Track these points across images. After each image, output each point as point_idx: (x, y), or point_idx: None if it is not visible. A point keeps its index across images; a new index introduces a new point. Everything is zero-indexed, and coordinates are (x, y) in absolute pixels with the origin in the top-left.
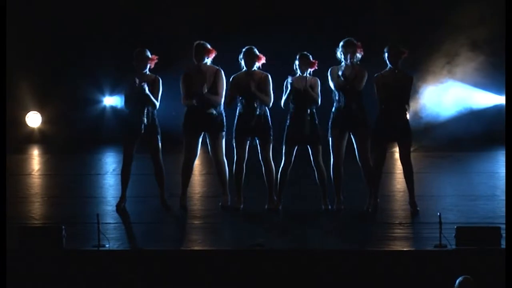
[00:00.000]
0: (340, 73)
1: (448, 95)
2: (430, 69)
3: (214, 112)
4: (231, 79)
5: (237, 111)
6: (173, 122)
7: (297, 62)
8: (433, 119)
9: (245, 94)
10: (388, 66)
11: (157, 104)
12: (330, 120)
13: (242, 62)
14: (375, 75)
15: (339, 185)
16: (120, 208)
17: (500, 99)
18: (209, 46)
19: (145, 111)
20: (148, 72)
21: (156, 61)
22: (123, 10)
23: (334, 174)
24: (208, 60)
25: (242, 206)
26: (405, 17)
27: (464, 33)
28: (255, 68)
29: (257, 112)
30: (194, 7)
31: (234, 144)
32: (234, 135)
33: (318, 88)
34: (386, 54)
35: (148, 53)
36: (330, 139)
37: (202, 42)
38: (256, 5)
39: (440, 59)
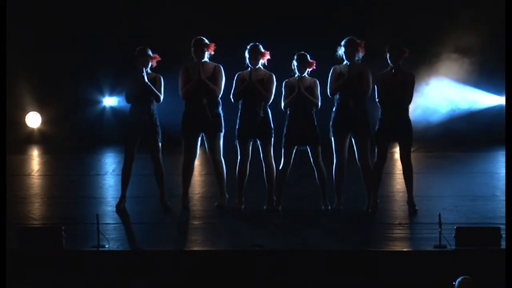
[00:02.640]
0: (344, 72)
1: (446, 95)
2: (427, 69)
3: (209, 113)
4: (236, 76)
5: (239, 111)
6: (173, 122)
7: (295, 63)
8: (432, 119)
9: (248, 92)
10: (390, 66)
11: (161, 96)
12: (331, 121)
13: (247, 59)
14: (376, 74)
15: (340, 186)
16: (120, 208)
17: (500, 100)
18: (207, 41)
19: (147, 108)
20: (149, 71)
21: (158, 59)
22: (123, 10)
23: (336, 175)
24: (207, 54)
25: (243, 207)
26: (404, 16)
27: (465, 33)
28: (259, 65)
29: (260, 113)
30: (194, 6)
31: (237, 145)
32: (236, 136)
33: (317, 89)
34: (387, 54)
35: (150, 51)
36: (332, 139)
37: (200, 37)
38: (256, 5)
39: (439, 58)
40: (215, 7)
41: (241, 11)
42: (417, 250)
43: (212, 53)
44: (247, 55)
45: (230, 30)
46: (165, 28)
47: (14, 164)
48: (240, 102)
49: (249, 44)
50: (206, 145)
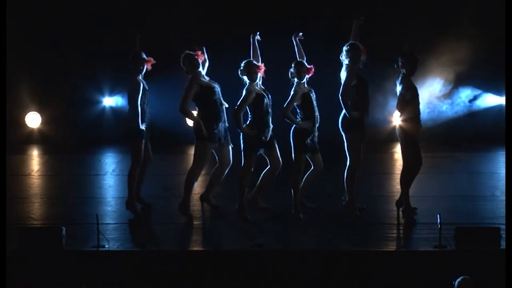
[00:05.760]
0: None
1: (447, 95)
2: (428, 70)
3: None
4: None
5: (249, 123)
6: (171, 122)
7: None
8: (433, 119)
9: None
10: (402, 73)
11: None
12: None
13: (245, 77)
14: (409, 81)
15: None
16: (134, 207)
17: (500, 100)
18: (192, 52)
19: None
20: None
21: (152, 62)
22: (123, 10)
23: (349, 179)
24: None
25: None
26: (405, 17)
27: (467, 34)
28: (257, 80)
29: (269, 124)
30: (194, 7)
31: (243, 155)
32: (244, 147)
33: None
34: (401, 61)
35: (144, 55)
36: (346, 141)
37: (187, 52)
38: (256, 6)
39: (439, 59)
40: (215, 7)
41: (240, 11)
42: (417, 250)
43: (202, 59)
44: (243, 72)
45: (229, 31)
46: (163, 28)
47: (14, 164)
48: (252, 114)
49: (242, 61)
50: (215, 153)
